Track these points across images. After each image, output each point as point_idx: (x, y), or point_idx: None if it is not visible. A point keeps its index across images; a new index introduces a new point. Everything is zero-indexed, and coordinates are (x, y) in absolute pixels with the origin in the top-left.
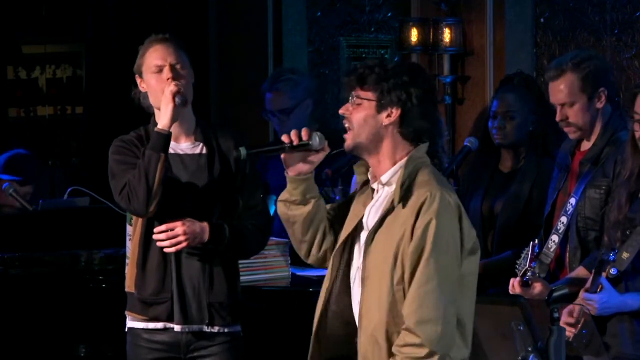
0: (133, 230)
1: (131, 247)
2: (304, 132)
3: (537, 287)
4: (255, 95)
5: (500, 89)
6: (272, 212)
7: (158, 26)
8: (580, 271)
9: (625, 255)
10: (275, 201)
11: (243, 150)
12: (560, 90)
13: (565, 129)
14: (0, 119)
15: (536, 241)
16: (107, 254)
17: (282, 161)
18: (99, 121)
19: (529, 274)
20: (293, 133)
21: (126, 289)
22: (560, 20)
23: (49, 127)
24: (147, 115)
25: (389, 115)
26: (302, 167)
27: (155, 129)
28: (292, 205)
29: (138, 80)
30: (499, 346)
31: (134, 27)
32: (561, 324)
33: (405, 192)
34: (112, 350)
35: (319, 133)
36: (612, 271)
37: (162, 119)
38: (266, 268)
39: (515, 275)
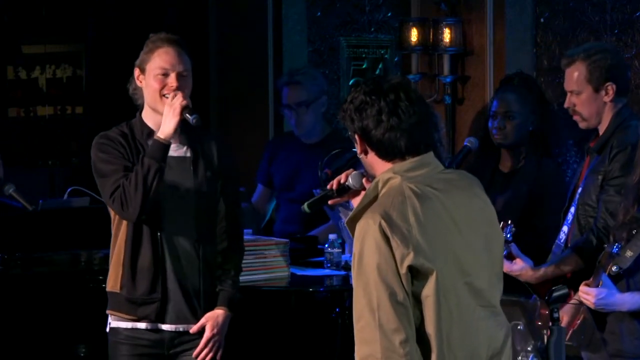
0: (116, 230)
1: (114, 246)
2: (343, 176)
3: (519, 262)
4: (255, 96)
5: (500, 89)
6: (270, 209)
7: (158, 26)
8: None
9: (629, 253)
10: (277, 198)
11: (305, 206)
12: (571, 77)
13: (574, 118)
14: (0, 119)
15: (509, 222)
16: (107, 254)
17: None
18: (99, 121)
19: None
20: (335, 180)
21: (108, 289)
22: (560, 20)
23: (49, 127)
24: None
25: (357, 145)
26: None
27: (156, 137)
28: None
29: (136, 74)
30: None
31: (134, 27)
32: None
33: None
34: None
35: (356, 172)
36: (614, 268)
37: (165, 128)
38: (266, 268)
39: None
